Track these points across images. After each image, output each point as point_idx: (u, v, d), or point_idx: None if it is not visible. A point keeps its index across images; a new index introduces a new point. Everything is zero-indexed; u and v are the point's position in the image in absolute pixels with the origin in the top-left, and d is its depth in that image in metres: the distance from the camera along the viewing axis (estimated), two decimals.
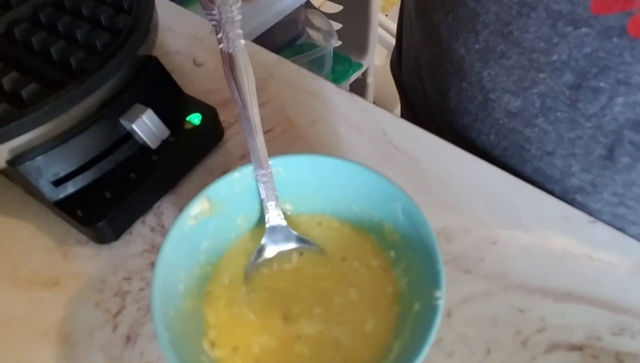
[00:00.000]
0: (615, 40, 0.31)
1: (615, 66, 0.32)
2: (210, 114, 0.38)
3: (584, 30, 0.32)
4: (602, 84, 0.33)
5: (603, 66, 0.32)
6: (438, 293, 0.25)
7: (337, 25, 1.22)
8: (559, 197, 0.36)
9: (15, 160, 0.31)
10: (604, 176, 0.37)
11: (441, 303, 0.25)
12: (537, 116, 0.37)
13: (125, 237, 0.35)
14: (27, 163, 0.31)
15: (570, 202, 0.36)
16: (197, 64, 0.46)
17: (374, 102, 0.90)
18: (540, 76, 0.35)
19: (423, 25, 0.47)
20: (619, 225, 0.35)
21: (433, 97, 0.49)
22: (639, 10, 0.29)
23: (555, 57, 0.34)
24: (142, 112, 0.34)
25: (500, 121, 0.41)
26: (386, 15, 1.45)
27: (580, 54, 0.33)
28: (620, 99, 0.33)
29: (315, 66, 1.13)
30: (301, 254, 0.31)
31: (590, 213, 0.35)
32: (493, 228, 0.34)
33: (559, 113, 0.36)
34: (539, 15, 0.33)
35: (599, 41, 0.31)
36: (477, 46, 0.39)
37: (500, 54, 0.37)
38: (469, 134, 0.45)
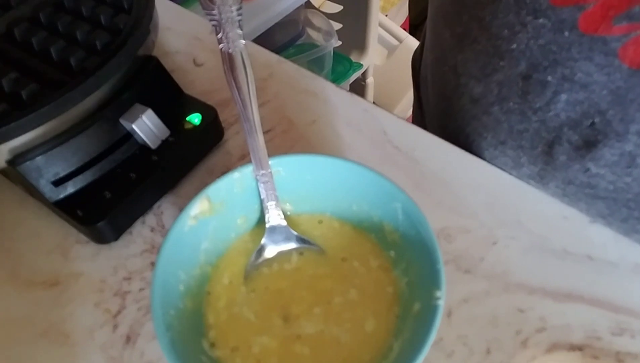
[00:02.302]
0: (566, 34, 0.31)
1: (563, 61, 0.32)
2: (210, 114, 0.38)
3: (541, 21, 0.32)
4: (549, 78, 0.33)
5: (553, 59, 0.33)
6: (438, 293, 0.25)
7: (337, 25, 1.22)
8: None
9: (15, 160, 0.31)
10: (546, 171, 0.38)
11: (441, 303, 0.25)
12: (493, 104, 0.38)
13: (125, 237, 0.35)
14: (27, 163, 0.31)
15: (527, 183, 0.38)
16: (197, 64, 0.46)
17: (374, 102, 0.90)
18: (501, 63, 0.36)
19: (430, 10, 0.48)
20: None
21: (430, 85, 0.50)
22: (591, 6, 0.30)
23: (514, 45, 0.34)
24: (142, 112, 0.34)
25: (466, 107, 0.41)
26: (386, 15, 1.45)
27: (535, 45, 0.33)
28: (564, 96, 0.33)
29: (315, 66, 1.13)
30: (301, 254, 0.31)
31: None
32: (493, 228, 0.34)
33: (511, 103, 0.37)
34: (508, 2, 0.33)
35: (553, 33, 0.32)
36: (458, 30, 0.39)
37: (473, 39, 0.38)
38: (445, 120, 0.46)
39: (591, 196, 0.38)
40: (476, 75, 0.39)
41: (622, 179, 0.35)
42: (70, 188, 0.33)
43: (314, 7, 1.23)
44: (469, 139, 0.43)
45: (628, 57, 0.30)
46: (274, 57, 0.46)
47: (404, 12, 1.55)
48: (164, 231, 0.35)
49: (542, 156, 0.37)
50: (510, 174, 0.39)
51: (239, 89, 0.27)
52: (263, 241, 0.31)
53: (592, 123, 0.33)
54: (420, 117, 0.55)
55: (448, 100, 0.44)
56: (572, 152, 0.36)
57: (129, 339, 0.31)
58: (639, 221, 0.37)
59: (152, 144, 0.35)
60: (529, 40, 0.33)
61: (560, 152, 0.36)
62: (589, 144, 0.34)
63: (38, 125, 0.30)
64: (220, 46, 0.26)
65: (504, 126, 0.39)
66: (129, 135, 0.35)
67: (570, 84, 0.33)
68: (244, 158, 0.39)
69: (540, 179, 0.39)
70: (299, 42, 1.16)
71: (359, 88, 1.34)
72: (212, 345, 0.28)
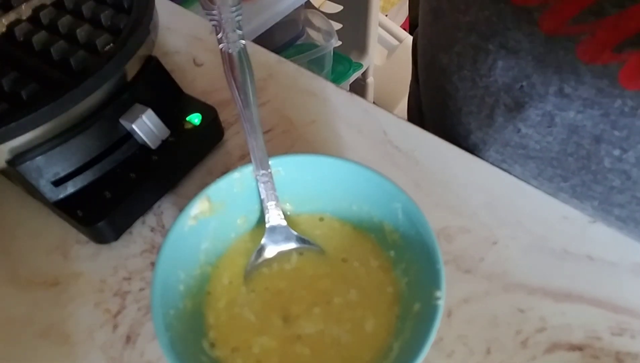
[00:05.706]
0: (502, 5, 0.34)
1: (501, 30, 0.35)
2: (210, 114, 0.38)
3: None
4: (490, 46, 0.37)
5: (494, 29, 0.36)
6: (438, 293, 0.25)
7: (337, 25, 1.22)
8: (467, 150, 0.39)
9: (15, 160, 0.31)
10: (489, 135, 0.41)
11: (441, 303, 0.25)
12: (454, 73, 0.42)
13: (125, 237, 0.35)
14: (27, 163, 0.31)
15: (474, 155, 0.40)
16: (197, 64, 0.46)
17: (374, 102, 0.90)
18: (459, 35, 0.39)
19: None
20: None
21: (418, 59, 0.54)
22: None
23: (468, 18, 0.38)
24: (142, 112, 0.34)
25: (435, 77, 0.45)
26: (386, 15, 1.45)
27: (482, 16, 0.36)
28: (500, 62, 0.37)
29: (315, 66, 1.13)
30: (301, 254, 0.31)
31: None
32: (493, 228, 0.34)
33: (465, 71, 0.40)
34: None
35: (493, 5, 0.35)
36: (433, 4, 0.43)
37: (442, 13, 0.41)
38: (424, 93, 0.50)
39: (523, 157, 0.41)
40: (443, 47, 0.42)
41: (545, 139, 0.38)
42: (70, 188, 0.33)
43: (314, 7, 1.23)
44: (436, 108, 0.46)
45: (544, 26, 0.33)
46: (273, 57, 0.46)
47: (404, 12, 1.55)
48: (164, 231, 0.35)
49: (486, 120, 0.41)
50: (461, 145, 0.41)
51: (239, 89, 0.27)
52: (263, 241, 0.31)
53: (521, 87, 0.37)
54: (417, 91, 0.57)
55: (425, 72, 0.48)
56: (506, 114, 0.39)
57: (129, 339, 0.31)
58: (562, 179, 0.40)
59: (152, 144, 0.35)
60: (478, 13, 0.37)
61: (498, 114, 0.39)
62: (518, 106, 0.38)
63: (38, 125, 0.30)
64: (220, 46, 0.26)
65: (460, 93, 0.42)
66: (129, 135, 0.35)
67: (505, 51, 0.36)
68: (244, 158, 0.39)
69: (483, 146, 0.42)
70: (299, 42, 1.16)
71: (359, 88, 1.34)
72: (212, 345, 0.28)
